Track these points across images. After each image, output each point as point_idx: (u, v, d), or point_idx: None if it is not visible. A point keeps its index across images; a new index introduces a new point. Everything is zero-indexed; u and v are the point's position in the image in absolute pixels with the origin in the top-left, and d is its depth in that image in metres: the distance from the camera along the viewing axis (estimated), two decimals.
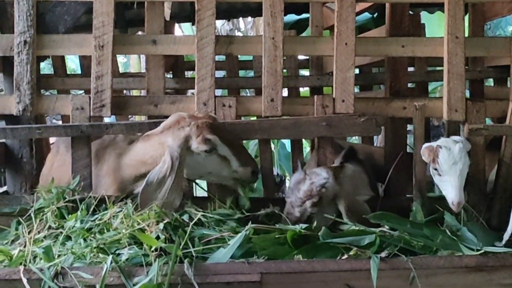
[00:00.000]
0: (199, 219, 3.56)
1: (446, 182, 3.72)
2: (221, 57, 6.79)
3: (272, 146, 9.70)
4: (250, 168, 3.86)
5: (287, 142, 9.35)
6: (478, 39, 5.00)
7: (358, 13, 6.08)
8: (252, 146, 9.09)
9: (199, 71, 4.18)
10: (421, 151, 3.84)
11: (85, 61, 5.99)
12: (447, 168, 3.71)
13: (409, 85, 6.35)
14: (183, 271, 2.99)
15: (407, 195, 4.32)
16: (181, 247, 3.14)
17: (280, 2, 4.17)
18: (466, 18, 5.66)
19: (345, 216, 3.73)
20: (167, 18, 4.96)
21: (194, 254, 3.12)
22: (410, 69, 6.27)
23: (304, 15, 7.47)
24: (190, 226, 3.32)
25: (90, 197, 3.82)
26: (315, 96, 4.28)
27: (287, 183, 8.80)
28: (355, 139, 7.37)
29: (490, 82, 6.91)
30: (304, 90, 8.11)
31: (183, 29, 12.61)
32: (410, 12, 6.98)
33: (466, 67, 5.84)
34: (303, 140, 6.88)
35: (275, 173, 9.04)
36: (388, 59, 4.78)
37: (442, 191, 3.77)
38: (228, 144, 3.82)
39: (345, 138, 5.42)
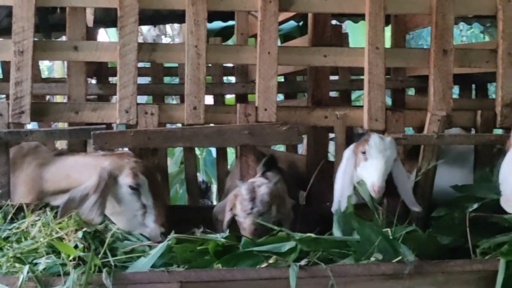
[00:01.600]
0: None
1: (371, 166, 3.80)
2: (147, 63, 6.75)
3: (199, 153, 9.72)
4: (162, 229, 3.69)
5: (213, 149, 9.37)
6: (398, 50, 5.12)
7: (284, 21, 6.13)
8: (178, 153, 9.06)
9: (121, 78, 4.12)
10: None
11: (6, 66, 5.85)
12: (376, 152, 3.81)
13: (333, 93, 6.47)
14: (102, 281, 2.96)
15: (328, 203, 4.36)
16: (100, 256, 3.13)
17: (204, 10, 4.14)
18: (389, 28, 5.81)
19: (285, 222, 3.76)
20: (90, 24, 4.89)
21: (113, 263, 3.09)
22: (335, 77, 6.38)
23: (230, 23, 7.48)
24: (110, 235, 3.31)
25: (8, 205, 3.72)
26: (238, 105, 4.28)
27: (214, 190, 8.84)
28: (279, 147, 7.42)
29: (412, 91, 7.06)
30: (230, 97, 8.13)
31: (109, 35, 12.47)
32: (337, 23, 7.11)
33: (388, 76, 6.00)
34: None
35: (200, 179, 9.07)
36: (310, 68, 4.81)
37: (364, 179, 3.83)
38: (153, 195, 3.75)
39: (269, 146, 5.44)
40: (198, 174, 9.12)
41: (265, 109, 4.20)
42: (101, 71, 6.54)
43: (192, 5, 4.12)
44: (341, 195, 3.94)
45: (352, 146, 4.02)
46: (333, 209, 3.86)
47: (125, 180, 3.69)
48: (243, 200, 3.69)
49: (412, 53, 4.79)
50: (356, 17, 7.42)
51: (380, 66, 4.23)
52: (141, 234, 3.69)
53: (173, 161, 9.71)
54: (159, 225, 3.70)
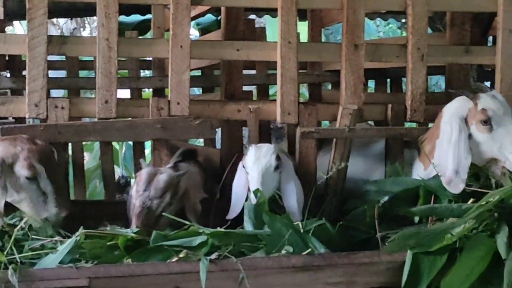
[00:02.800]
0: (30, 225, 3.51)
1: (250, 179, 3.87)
2: (62, 57, 6.63)
3: (119, 147, 9.64)
4: (65, 213, 3.68)
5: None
6: (311, 44, 5.18)
7: (202, 15, 6.14)
8: (96, 147, 8.94)
9: (30, 71, 4.03)
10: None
11: None
12: (251, 164, 3.86)
13: (252, 87, 6.48)
14: (7, 278, 2.90)
15: None
16: (5, 253, 3.08)
17: (115, 3, 4.08)
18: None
19: (189, 215, 3.75)
20: (1, 17, 4.77)
21: (19, 260, 3.04)
22: (252, 71, 6.41)
23: (148, 16, 7.44)
24: (15, 231, 3.26)
25: None
26: (150, 99, 4.26)
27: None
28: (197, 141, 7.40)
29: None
30: (148, 92, 8.08)
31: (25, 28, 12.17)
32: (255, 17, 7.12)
33: (305, 70, 6.05)
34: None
35: (120, 174, 8.98)
36: (224, 62, 4.81)
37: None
38: (52, 180, 3.70)
39: (186, 140, 5.42)
40: (118, 169, 9.05)
41: (178, 103, 4.18)
42: (13, 64, 6.39)
43: None
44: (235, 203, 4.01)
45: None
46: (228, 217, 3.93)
47: (21, 171, 3.63)
48: (139, 181, 3.73)
49: (325, 48, 4.85)
50: (274, 12, 7.48)
51: (292, 60, 4.24)
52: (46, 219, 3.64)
53: (92, 156, 9.62)
54: (61, 209, 3.67)
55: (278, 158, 3.97)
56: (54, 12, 4.16)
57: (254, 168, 3.88)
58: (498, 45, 4.53)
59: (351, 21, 4.31)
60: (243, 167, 3.98)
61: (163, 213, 3.66)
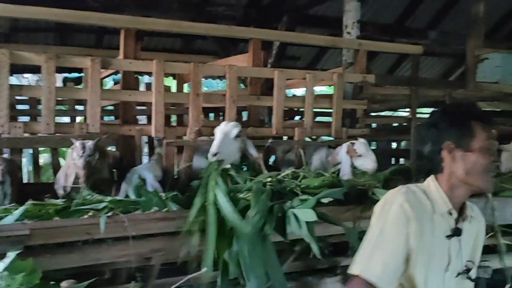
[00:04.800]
0: None
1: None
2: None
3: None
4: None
5: None
6: (174, 93, 5.20)
7: (115, 73, 5.95)
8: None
9: None
10: None
11: None
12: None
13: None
14: None
15: None
16: None
17: (53, 66, 3.82)
18: None
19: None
20: None
21: None
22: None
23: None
24: None
25: None
26: (76, 123, 4.12)
27: None
28: None
29: None
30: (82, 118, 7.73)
31: None
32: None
33: (174, 107, 5.99)
34: None
35: None
36: (121, 102, 4.55)
37: None
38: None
39: None
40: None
41: (93, 125, 3.99)
42: None
43: None
44: None
45: None
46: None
47: None
48: (77, 149, 3.57)
49: (181, 96, 4.95)
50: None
51: (161, 102, 4.13)
52: None
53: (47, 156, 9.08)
54: None
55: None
56: (16, 69, 3.92)
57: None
58: (275, 97, 4.59)
59: (195, 80, 4.33)
60: None
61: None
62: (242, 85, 5.67)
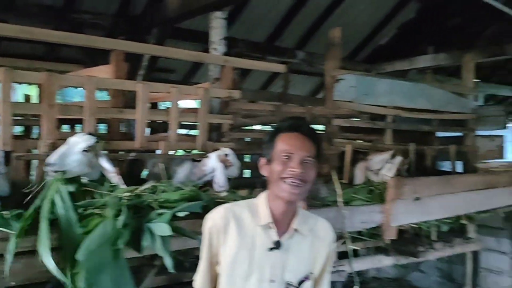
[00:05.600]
0: None
1: None
2: None
3: None
4: None
5: None
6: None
7: None
8: None
9: None
10: None
11: None
12: None
13: None
14: None
15: None
16: None
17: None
18: None
19: None
20: None
21: None
22: None
23: None
24: None
25: None
26: None
27: None
28: None
29: None
30: None
31: None
32: None
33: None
34: None
35: None
36: None
37: None
38: None
39: None
40: None
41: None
42: None
43: None
44: None
45: None
46: None
47: None
48: None
49: (29, 106, 4.60)
50: None
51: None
52: None
53: None
54: None
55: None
56: None
57: None
58: (138, 110, 4.51)
59: (48, 91, 4.09)
60: None
61: None
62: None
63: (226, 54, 5.91)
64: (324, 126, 6.21)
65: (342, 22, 9.56)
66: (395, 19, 10.90)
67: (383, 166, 5.57)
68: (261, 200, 2.40)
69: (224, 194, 4.03)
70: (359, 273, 5.10)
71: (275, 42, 10.36)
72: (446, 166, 7.14)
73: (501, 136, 7.57)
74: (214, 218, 2.35)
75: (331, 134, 6.08)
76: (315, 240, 2.39)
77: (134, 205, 3.35)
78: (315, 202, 4.41)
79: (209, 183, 4.38)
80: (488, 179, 6.20)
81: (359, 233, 4.93)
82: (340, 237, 4.58)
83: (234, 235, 2.28)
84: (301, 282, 2.32)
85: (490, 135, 7.65)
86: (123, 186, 3.68)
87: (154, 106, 7.33)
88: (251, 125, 6.67)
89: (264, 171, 2.35)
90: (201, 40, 8.43)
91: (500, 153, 7.47)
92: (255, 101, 9.47)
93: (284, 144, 2.28)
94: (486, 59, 8.42)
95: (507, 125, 7.87)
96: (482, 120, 7.59)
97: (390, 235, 5.00)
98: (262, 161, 2.34)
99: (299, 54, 10.13)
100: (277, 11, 9.82)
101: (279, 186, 2.27)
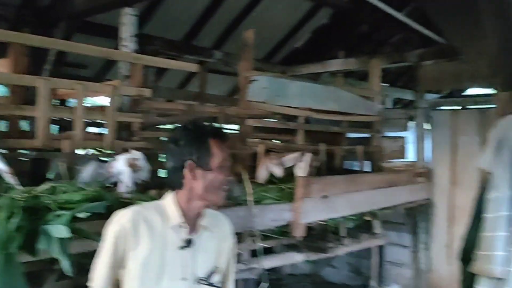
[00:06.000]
0: None
1: None
2: None
3: None
4: None
5: None
6: None
7: None
8: None
9: None
10: None
11: None
12: None
13: None
14: None
15: None
16: None
17: None
18: None
19: None
20: None
21: None
22: None
23: None
24: None
25: None
26: None
27: None
28: None
29: None
30: None
31: None
32: None
33: None
34: None
35: None
36: None
37: None
38: None
39: None
40: None
41: None
42: None
43: None
44: None
45: None
46: None
47: None
48: None
49: None
50: None
51: None
52: None
53: None
54: None
55: None
56: None
57: None
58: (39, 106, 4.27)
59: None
60: None
61: None
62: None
63: (140, 51, 5.78)
64: (237, 126, 6.28)
65: (259, 24, 9.71)
66: (309, 23, 11.27)
67: (295, 164, 5.74)
68: (168, 201, 2.44)
69: (129, 195, 3.94)
70: (274, 270, 5.25)
71: (193, 41, 10.29)
72: (356, 165, 7.50)
73: (403, 137, 8.10)
74: (121, 222, 2.32)
75: (244, 134, 6.17)
76: (220, 235, 2.52)
77: (30, 207, 3.18)
78: (227, 202, 4.45)
79: (116, 184, 4.27)
80: (390, 177, 6.64)
81: (273, 231, 5.06)
82: (251, 235, 4.67)
83: (145, 238, 2.28)
84: (210, 276, 2.41)
85: (394, 136, 8.15)
86: (19, 187, 3.49)
87: (63, 103, 7.02)
88: (164, 124, 6.58)
89: (192, 176, 2.31)
90: (115, 36, 8.18)
91: (402, 153, 7.99)
92: (172, 100, 9.37)
93: (221, 153, 2.38)
94: (390, 65, 8.97)
95: (408, 127, 8.42)
96: (387, 122, 8.07)
97: (299, 232, 5.18)
98: (191, 165, 2.33)
99: (216, 54, 10.15)
100: (194, 9, 9.76)
101: (217, 194, 2.37)
